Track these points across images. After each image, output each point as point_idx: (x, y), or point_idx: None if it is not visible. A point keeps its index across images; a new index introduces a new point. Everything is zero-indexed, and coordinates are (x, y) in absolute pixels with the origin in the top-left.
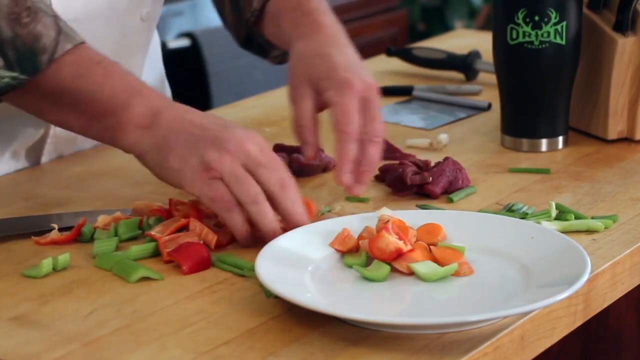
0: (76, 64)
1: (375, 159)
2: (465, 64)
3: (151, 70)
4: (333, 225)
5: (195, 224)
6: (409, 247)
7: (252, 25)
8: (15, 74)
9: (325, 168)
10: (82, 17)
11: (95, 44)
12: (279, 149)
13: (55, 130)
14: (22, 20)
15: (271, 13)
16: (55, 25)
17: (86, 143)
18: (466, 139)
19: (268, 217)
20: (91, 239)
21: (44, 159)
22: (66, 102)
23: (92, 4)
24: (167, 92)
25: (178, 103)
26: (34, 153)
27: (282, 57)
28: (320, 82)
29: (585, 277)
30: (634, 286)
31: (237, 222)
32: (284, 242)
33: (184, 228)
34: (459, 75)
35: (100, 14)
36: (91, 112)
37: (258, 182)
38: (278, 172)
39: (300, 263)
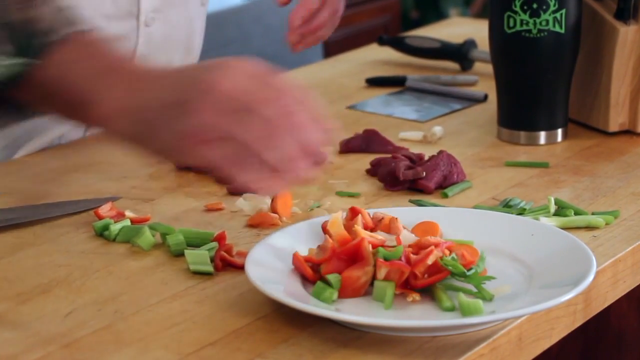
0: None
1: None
2: (461, 54)
3: None
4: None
5: None
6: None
7: None
8: (23, 60)
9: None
10: (162, 6)
11: (167, 29)
12: None
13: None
14: (29, 3)
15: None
16: (58, 10)
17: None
18: (461, 132)
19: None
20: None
21: (21, 152)
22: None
23: None
24: None
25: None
26: (9, 150)
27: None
28: None
29: (591, 277)
30: (636, 284)
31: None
32: (275, 241)
33: None
34: (454, 65)
35: (174, 2)
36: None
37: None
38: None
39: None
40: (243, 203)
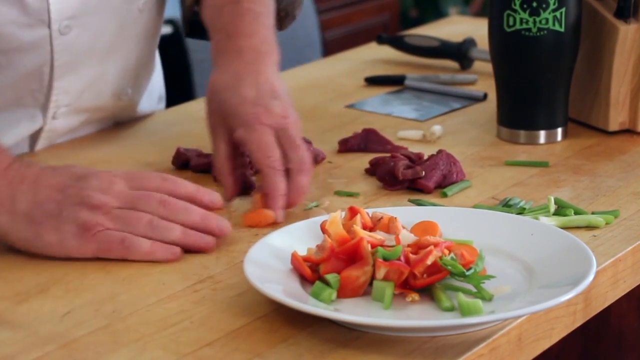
0: None
1: (304, 188)
2: (460, 52)
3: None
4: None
5: None
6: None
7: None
8: None
9: (313, 161)
10: (78, 14)
11: (91, 36)
12: None
13: (52, 125)
14: None
15: (206, 22)
16: None
17: (81, 132)
18: (461, 131)
19: (174, 232)
20: None
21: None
22: None
23: (88, 0)
24: (159, 84)
25: (27, 164)
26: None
27: None
28: (230, 119)
29: (591, 277)
30: (636, 284)
31: (145, 250)
32: (274, 240)
33: None
34: (453, 64)
35: (96, 9)
36: None
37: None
38: (153, 197)
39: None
40: (240, 203)
